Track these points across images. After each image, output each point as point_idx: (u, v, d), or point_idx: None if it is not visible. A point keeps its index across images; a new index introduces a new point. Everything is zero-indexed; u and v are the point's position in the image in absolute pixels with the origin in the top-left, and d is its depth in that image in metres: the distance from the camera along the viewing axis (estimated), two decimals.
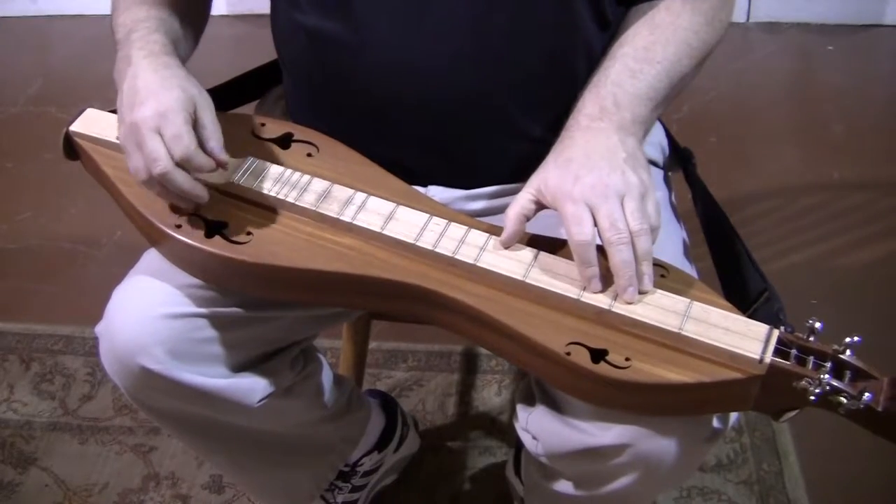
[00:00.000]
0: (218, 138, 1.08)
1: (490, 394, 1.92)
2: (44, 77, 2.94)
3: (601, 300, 0.98)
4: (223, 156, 1.07)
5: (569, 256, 1.01)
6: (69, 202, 2.44)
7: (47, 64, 3.06)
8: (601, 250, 0.99)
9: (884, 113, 2.72)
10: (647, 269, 0.98)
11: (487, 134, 1.17)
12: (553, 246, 1.05)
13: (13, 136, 2.70)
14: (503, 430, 1.84)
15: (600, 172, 0.99)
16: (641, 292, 0.98)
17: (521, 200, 1.03)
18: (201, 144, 1.06)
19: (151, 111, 1.04)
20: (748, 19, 3.03)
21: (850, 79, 2.84)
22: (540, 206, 1.03)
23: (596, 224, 0.98)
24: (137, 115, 1.05)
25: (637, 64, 1.09)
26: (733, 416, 1.09)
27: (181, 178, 1.05)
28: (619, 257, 0.96)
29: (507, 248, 1.04)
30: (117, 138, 1.16)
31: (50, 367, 2.01)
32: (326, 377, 1.38)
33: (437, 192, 1.20)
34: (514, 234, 1.03)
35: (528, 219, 1.04)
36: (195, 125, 1.06)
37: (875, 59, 2.98)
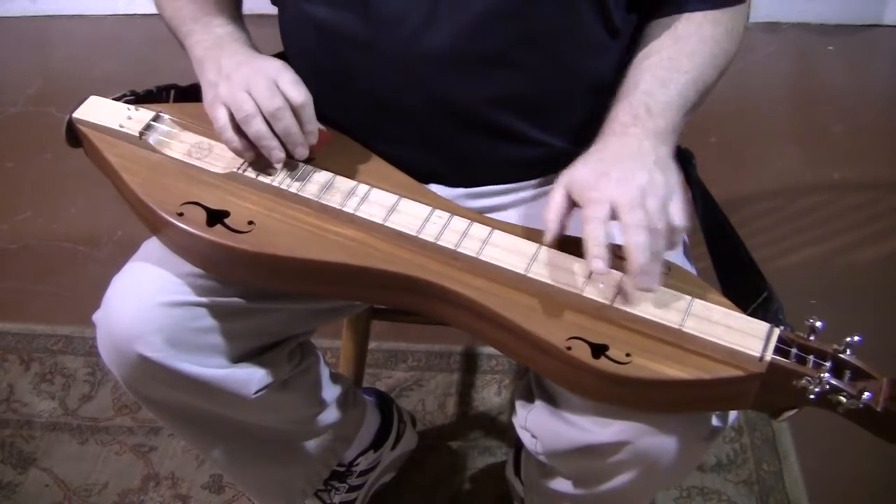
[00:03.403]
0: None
1: (490, 394, 1.92)
2: (44, 77, 2.94)
3: (603, 295, 0.98)
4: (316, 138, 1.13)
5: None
6: (69, 202, 2.44)
7: (47, 64, 3.06)
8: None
9: (884, 113, 2.72)
10: (656, 267, 0.96)
11: (488, 136, 1.17)
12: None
13: (13, 136, 2.70)
14: (503, 430, 1.84)
15: (626, 169, 0.99)
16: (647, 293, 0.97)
17: (555, 199, 1.03)
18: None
19: (263, 64, 1.11)
20: (748, 19, 3.02)
21: (850, 79, 2.84)
22: (572, 203, 1.03)
23: (616, 217, 0.97)
24: (249, 67, 1.10)
25: (665, 73, 1.09)
26: (732, 414, 1.09)
27: (292, 121, 1.09)
28: (635, 239, 0.94)
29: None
30: (121, 126, 1.17)
31: (50, 367, 2.01)
32: (323, 373, 1.38)
33: (436, 190, 1.19)
34: (555, 235, 1.03)
35: (564, 217, 1.03)
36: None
37: (875, 59, 2.98)
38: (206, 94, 1.14)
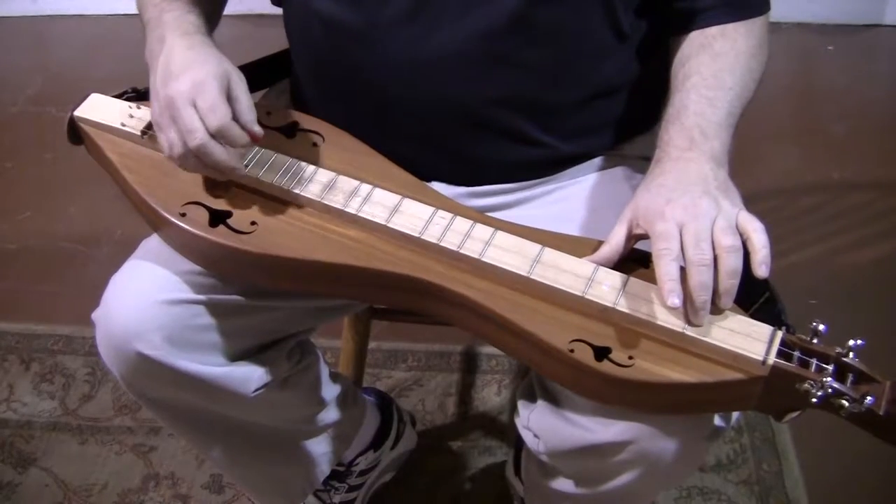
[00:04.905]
0: (252, 111, 1.08)
1: (490, 394, 1.92)
2: (43, 77, 2.94)
3: (605, 297, 0.98)
4: (257, 128, 1.07)
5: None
6: (69, 202, 2.43)
7: (47, 64, 3.05)
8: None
9: (884, 113, 2.72)
10: (730, 287, 0.95)
11: (492, 136, 1.18)
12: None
13: (13, 136, 2.70)
14: (503, 430, 1.84)
15: (693, 195, 0.99)
16: (718, 312, 0.97)
17: (616, 237, 1.03)
18: (236, 119, 1.06)
19: (187, 83, 1.05)
20: None
21: (850, 79, 2.84)
22: (634, 238, 1.03)
23: (681, 243, 0.97)
24: (172, 89, 1.05)
25: (711, 92, 1.09)
26: (735, 414, 1.09)
27: (218, 150, 1.05)
28: (697, 279, 0.94)
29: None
30: (123, 125, 1.17)
31: (50, 367, 2.00)
32: (323, 372, 1.38)
33: (439, 188, 1.19)
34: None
35: (623, 254, 1.03)
36: (229, 99, 1.06)
37: (875, 59, 2.98)
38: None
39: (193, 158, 1.06)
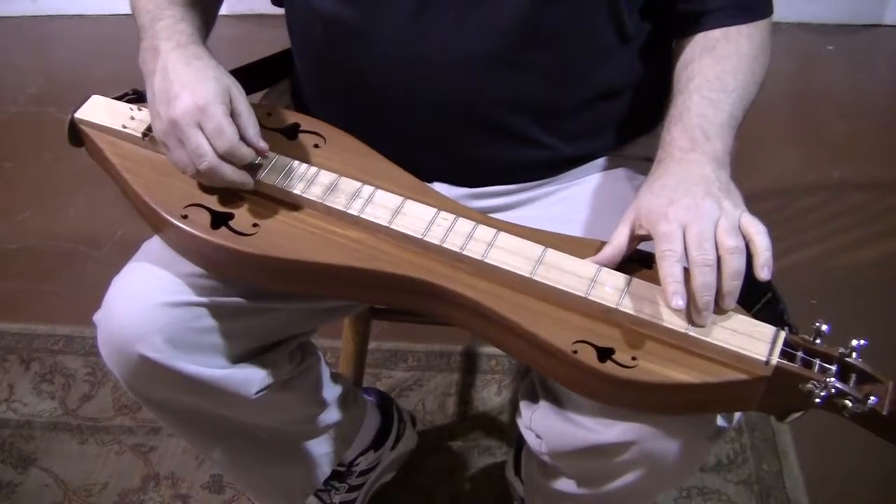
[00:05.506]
0: (255, 125, 1.08)
1: (490, 394, 1.92)
2: (44, 77, 2.94)
3: (608, 298, 0.98)
4: (262, 143, 1.08)
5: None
6: (69, 202, 2.43)
7: (47, 64, 3.06)
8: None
9: (884, 113, 2.72)
10: (733, 288, 0.96)
11: (494, 137, 1.17)
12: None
13: (13, 136, 2.70)
14: (503, 430, 1.84)
15: (695, 196, 0.99)
16: (721, 312, 0.97)
17: (619, 238, 1.03)
18: (241, 134, 1.07)
19: (189, 105, 1.05)
20: None
21: (850, 79, 2.85)
22: (637, 239, 1.03)
23: (684, 244, 0.97)
24: (175, 111, 1.05)
25: (713, 94, 1.09)
26: (737, 414, 1.09)
27: (228, 170, 1.06)
28: (701, 279, 0.94)
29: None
30: (124, 126, 1.17)
31: (50, 367, 2.00)
32: (324, 373, 1.38)
33: (441, 189, 1.19)
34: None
35: (626, 255, 1.03)
36: (231, 114, 1.07)
37: (875, 59, 2.99)
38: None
39: (205, 177, 1.07)
